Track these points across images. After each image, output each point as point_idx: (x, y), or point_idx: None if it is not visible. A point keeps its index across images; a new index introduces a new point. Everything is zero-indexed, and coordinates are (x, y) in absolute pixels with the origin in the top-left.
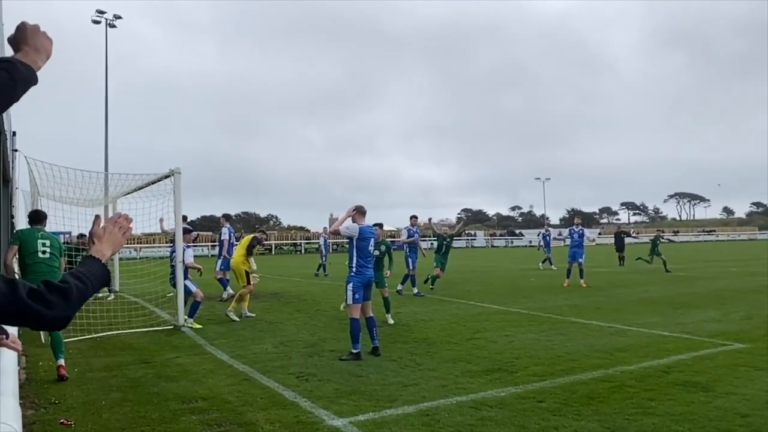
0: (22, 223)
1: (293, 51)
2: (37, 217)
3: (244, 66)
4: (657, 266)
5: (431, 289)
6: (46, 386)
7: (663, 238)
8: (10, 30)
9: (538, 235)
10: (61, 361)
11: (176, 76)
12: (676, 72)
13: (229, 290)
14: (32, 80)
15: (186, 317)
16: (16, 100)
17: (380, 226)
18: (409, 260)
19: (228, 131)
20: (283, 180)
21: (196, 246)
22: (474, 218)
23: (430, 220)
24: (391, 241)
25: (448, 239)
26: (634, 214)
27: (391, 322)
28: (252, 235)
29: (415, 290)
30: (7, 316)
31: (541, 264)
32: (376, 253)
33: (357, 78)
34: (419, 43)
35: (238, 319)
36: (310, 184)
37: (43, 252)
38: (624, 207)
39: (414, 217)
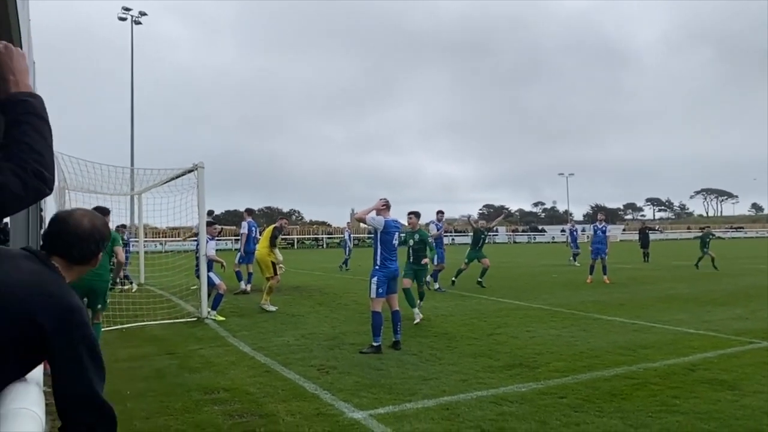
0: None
1: (314, 49)
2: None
3: (265, 63)
4: (684, 263)
5: (453, 283)
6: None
7: (713, 236)
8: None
9: (562, 231)
10: None
11: (199, 73)
12: (702, 67)
13: (242, 285)
14: (43, 105)
15: (209, 309)
16: (51, 131)
17: (416, 214)
18: (435, 256)
19: (251, 128)
20: (305, 176)
21: (220, 239)
22: (496, 214)
23: (470, 217)
24: None
25: (486, 233)
26: (660, 210)
27: (418, 320)
28: (273, 226)
29: (437, 285)
30: None
31: (572, 259)
32: (411, 242)
33: (378, 75)
34: (440, 39)
35: (275, 308)
36: (332, 180)
37: None
38: (649, 203)
39: (440, 212)
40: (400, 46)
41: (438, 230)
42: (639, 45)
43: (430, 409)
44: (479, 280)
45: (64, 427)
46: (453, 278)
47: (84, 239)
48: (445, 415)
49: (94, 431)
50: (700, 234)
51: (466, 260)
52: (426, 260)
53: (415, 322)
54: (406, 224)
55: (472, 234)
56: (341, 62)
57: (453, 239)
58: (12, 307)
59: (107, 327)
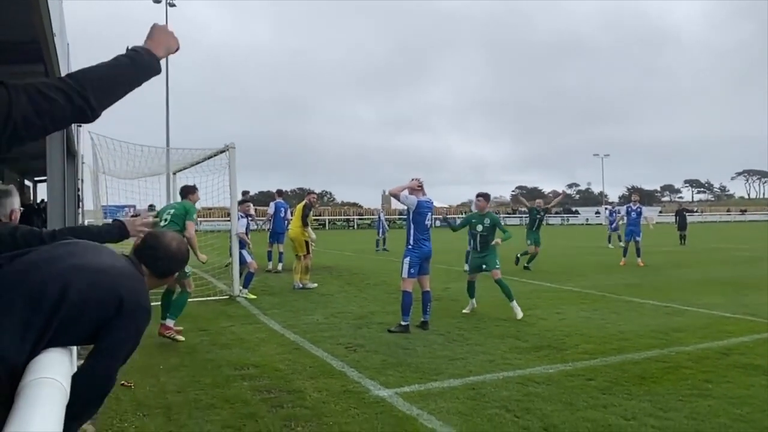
0: (88, 196)
1: (347, 28)
2: (182, 192)
3: (297, 43)
4: (723, 246)
5: (526, 268)
6: None
7: None
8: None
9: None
10: (166, 322)
11: (231, 55)
12: (743, 44)
13: (270, 264)
14: (155, 69)
15: (241, 288)
16: (138, 84)
17: (485, 196)
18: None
19: (284, 109)
20: (336, 157)
21: (253, 218)
22: (529, 196)
23: (518, 195)
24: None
25: (542, 213)
26: (698, 192)
27: (520, 315)
28: (302, 204)
29: (467, 267)
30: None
31: (619, 241)
32: (479, 227)
33: (410, 54)
34: (474, 18)
35: (315, 285)
36: (363, 161)
37: (165, 220)
38: (687, 185)
39: (480, 195)
40: (434, 24)
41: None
42: (678, 21)
43: (455, 388)
44: (525, 263)
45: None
46: (526, 264)
47: (169, 258)
48: (470, 394)
49: (83, 399)
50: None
51: (529, 242)
52: (498, 240)
53: (519, 316)
54: (473, 209)
55: (527, 215)
56: (374, 42)
57: (504, 222)
58: (105, 284)
59: None
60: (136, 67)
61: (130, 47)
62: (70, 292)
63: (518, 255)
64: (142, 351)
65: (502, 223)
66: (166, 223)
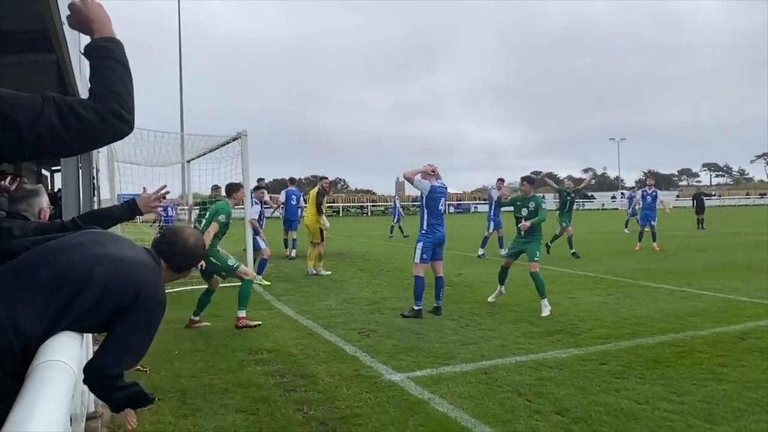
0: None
1: (357, 14)
2: (226, 189)
3: (308, 30)
4: (741, 230)
5: (575, 255)
6: None
7: None
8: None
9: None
10: (239, 313)
11: (243, 44)
12: (762, 25)
13: (287, 251)
14: (122, 49)
15: (255, 274)
16: (131, 75)
17: (530, 180)
18: (492, 223)
19: (295, 96)
20: (349, 144)
21: (269, 205)
22: (543, 181)
23: (545, 175)
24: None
25: (572, 194)
26: (717, 176)
27: (547, 312)
28: (315, 190)
29: (481, 251)
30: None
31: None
32: (524, 211)
33: (422, 40)
34: (486, 1)
35: (329, 273)
36: (376, 148)
37: (198, 221)
38: (705, 168)
39: (500, 180)
40: (446, 8)
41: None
42: (694, 1)
43: (467, 372)
44: (571, 251)
45: None
46: (573, 251)
47: (187, 253)
48: (482, 379)
49: (92, 385)
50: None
51: (564, 224)
52: (526, 224)
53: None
54: (492, 194)
55: (557, 197)
56: (385, 27)
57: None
58: (125, 274)
59: None
60: (122, 62)
61: (89, 45)
62: (92, 280)
63: (548, 243)
64: (157, 337)
65: (545, 208)
66: (201, 223)
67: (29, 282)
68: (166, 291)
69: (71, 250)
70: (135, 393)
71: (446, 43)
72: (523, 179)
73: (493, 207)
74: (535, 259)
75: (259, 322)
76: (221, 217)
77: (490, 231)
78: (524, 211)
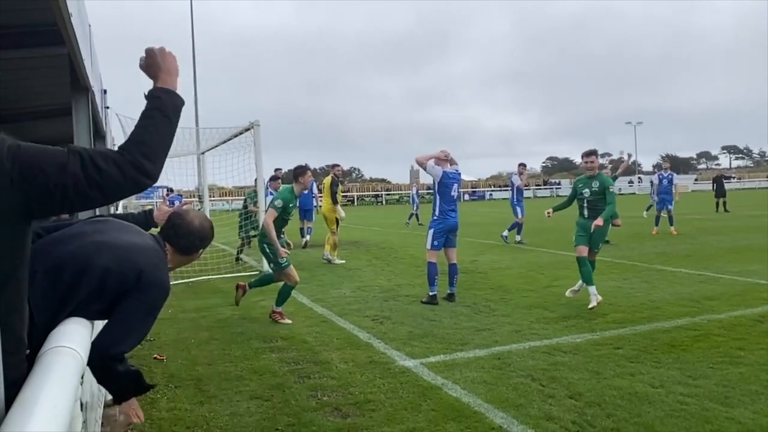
0: None
1: (369, 2)
2: (293, 174)
3: (320, 20)
4: (761, 212)
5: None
6: None
7: None
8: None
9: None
10: (276, 307)
11: (255, 35)
12: None
13: (303, 240)
14: (180, 105)
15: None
16: (175, 127)
17: (595, 153)
18: (518, 208)
19: (309, 86)
20: (364, 133)
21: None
22: (560, 166)
23: (581, 164)
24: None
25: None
26: (736, 159)
27: (594, 303)
28: (329, 179)
29: (506, 233)
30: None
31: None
32: (586, 192)
33: (433, 26)
34: None
35: (342, 261)
36: (390, 137)
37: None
38: (725, 151)
39: (522, 165)
40: None
41: (520, 182)
42: None
43: (481, 358)
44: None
45: None
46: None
47: (191, 234)
48: (496, 364)
49: (93, 367)
50: None
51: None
52: (599, 222)
53: (591, 306)
54: (513, 180)
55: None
56: (396, 14)
57: (534, 193)
58: (126, 259)
59: (175, 281)
60: (169, 117)
61: (147, 93)
62: (90, 268)
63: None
64: (173, 326)
65: (611, 190)
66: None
67: (30, 273)
68: (185, 280)
69: (71, 240)
70: (134, 377)
71: (459, 28)
72: (587, 154)
73: (515, 193)
74: (596, 250)
75: (290, 322)
76: (278, 203)
77: (521, 216)
78: (586, 192)
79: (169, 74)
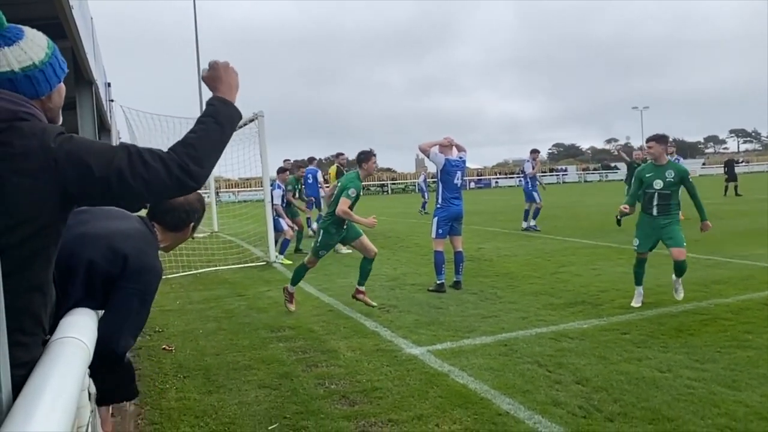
0: None
1: None
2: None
3: (322, 10)
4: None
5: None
6: (151, 316)
7: None
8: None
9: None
10: (359, 287)
11: (258, 26)
12: None
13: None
14: (236, 116)
15: (277, 254)
16: (229, 137)
17: (660, 140)
18: (534, 194)
19: (312, 78)
20: (368, 122)
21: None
22: (566, 153)
23: (620, 149)
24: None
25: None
26: (745, 142)
27: (680, 297)
28: (334, 168)
29: (533, 223)
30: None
31: None
32: (658, 184)
33: (435, 13)
34: None
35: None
36: (395, 126)
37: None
38: (733, 135)
39: (535, 151)
40: None
41: (533, 169)
42: None
43: (487, 345)
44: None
45: None
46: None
47: (175, 209)
48: (502, 351)
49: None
50: None
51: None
52: (707, 224)
53: (680, 296)
54: (525, 169)
55: (626, 170)
56: (399, 3)
57: (540, 180)
58: (109, 247)
59: (183, 272)
60: (221, 125)
61: (207, 101)
62: (76, 263)
63: (618, 216)
64: (181, 317)
65: (691, 185)
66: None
67: None
68: (193, 272)
69: None
70: (129, 378)
71: (462, 15)
72: (650, 139)
73: (528, 180)
74: (683, 245)
75: (375, 305)
76: (351, 191)
77: (539, 202)
78: (658, 184)
79: (229, 88)
